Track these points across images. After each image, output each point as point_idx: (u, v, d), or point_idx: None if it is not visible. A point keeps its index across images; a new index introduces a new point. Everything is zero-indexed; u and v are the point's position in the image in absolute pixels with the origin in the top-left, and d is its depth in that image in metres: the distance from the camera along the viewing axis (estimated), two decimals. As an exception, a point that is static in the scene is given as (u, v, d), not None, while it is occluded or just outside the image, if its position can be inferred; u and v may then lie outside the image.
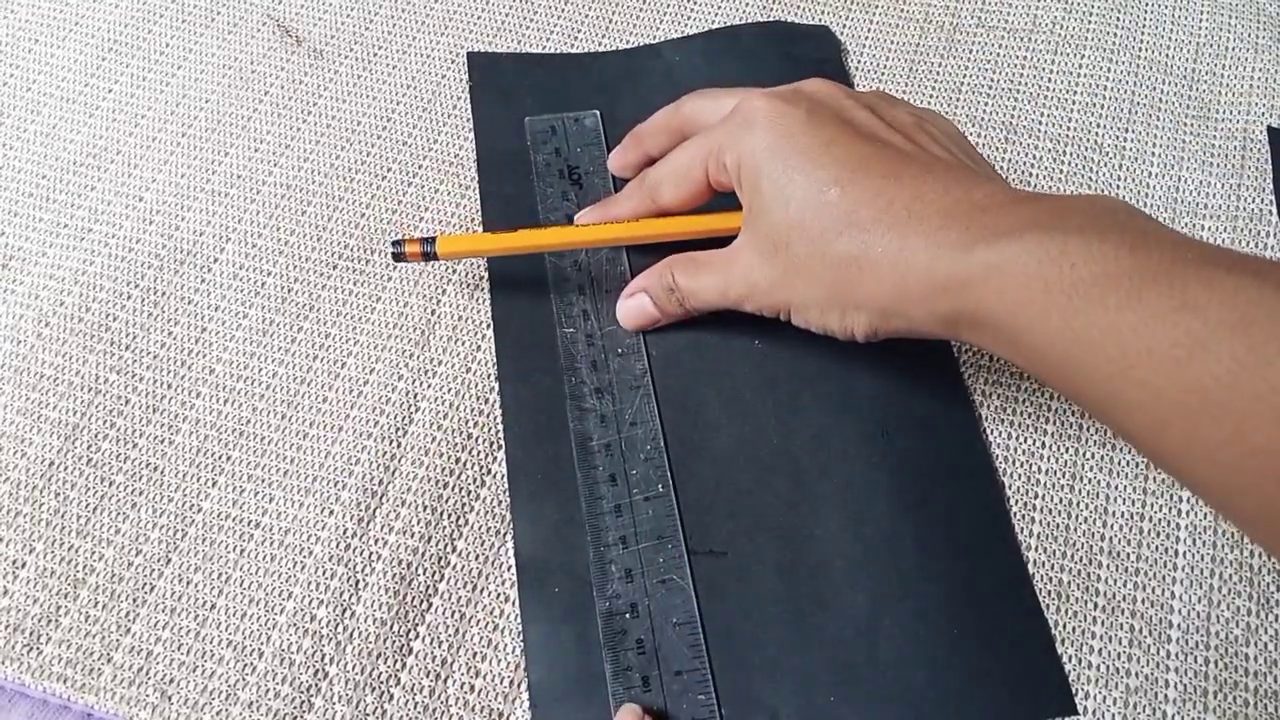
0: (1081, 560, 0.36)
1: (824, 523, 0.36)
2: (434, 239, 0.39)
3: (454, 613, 0.35)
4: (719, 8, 0.50)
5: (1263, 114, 0.46)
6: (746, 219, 0.35)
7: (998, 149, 0.45)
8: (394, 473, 0.37)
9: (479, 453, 0.38)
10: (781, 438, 0.37)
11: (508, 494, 0.37)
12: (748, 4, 0.50)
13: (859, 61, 0.48)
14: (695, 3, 0.50)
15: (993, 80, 0.47)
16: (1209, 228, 0.42)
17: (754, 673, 0.33)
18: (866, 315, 0.32)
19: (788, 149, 0.33)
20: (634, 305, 0.39)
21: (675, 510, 0.36)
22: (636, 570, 0.35)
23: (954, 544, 0.35)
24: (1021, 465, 0.37)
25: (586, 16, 0.49)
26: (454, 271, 0.42)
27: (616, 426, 0.38)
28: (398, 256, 0.39)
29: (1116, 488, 0.37)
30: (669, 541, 0.35)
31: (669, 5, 0.50)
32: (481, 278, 0.42)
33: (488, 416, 0.38)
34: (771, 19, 0.49)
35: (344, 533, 0.36)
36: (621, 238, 0.39)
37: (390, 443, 0.38)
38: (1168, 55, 0.48)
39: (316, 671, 0.34)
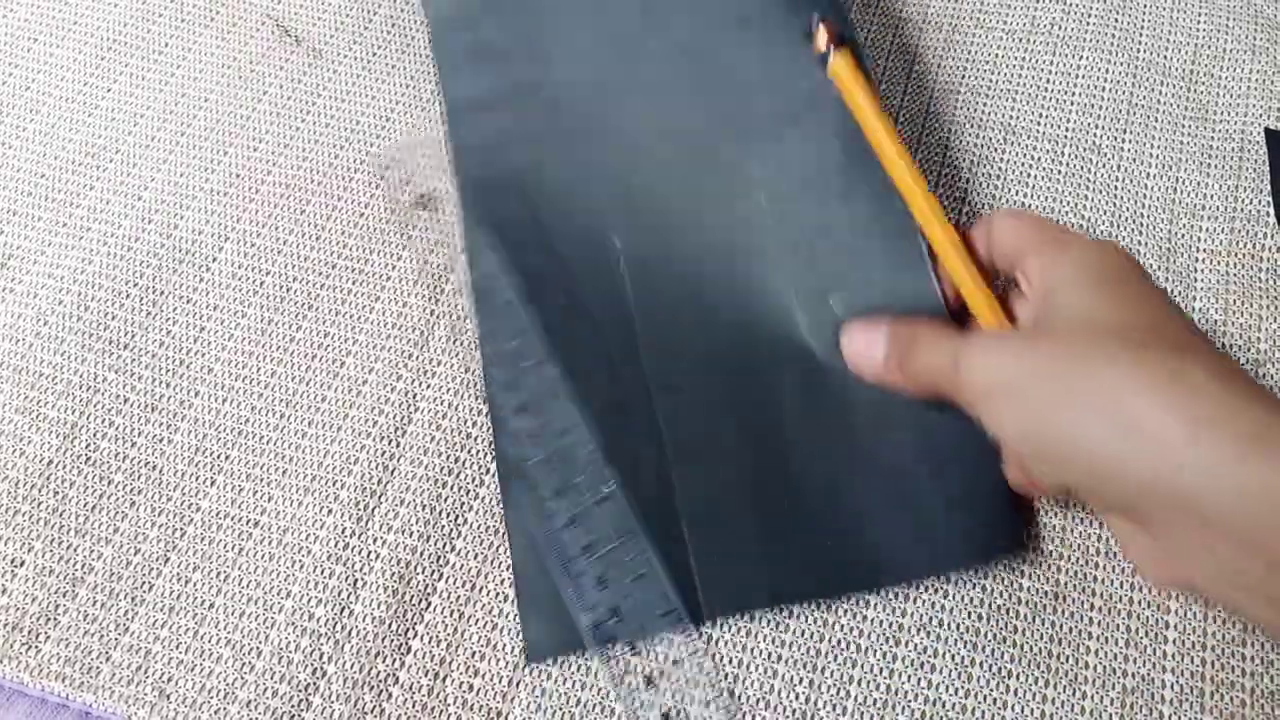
0: (1079, 560, 0.36)
1: (788, 395, 0.37)
2: (843, 44, 0.37)
3: (453, 612, 0.35)
4: None
5: (1260, 115, 0.46)
6: (1037, 320, 0.33)
7: (996, 149, 0.45)
8: (393, 472, 0.37)
9: (478, 452, 0.38)
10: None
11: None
12: None
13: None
14: None
15: (991, 81, 0.47)
16: (1207, 229, 0.43)
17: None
18: (1105, 443, 0.29)
19: (1102, 273, 0.32)
20: (866, 338, 0.36)
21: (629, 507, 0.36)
22: (607, 576, 0.35)
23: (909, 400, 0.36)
24: (1019, 465, 0.38)
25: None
26: (452, 272, 0.42)
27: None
28: (808, 35, 0.38)
29: (1114, 488, 0.37)
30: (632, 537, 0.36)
31: None
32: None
33: (487, 416, 0.38)
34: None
35: (342, 532, 0.36)
36: (923, 218, 0.37)
37: (389, 442, 0.38)
38: (1166, 57, 0.48)
39: (315, 670, 0.34)
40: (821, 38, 0.37)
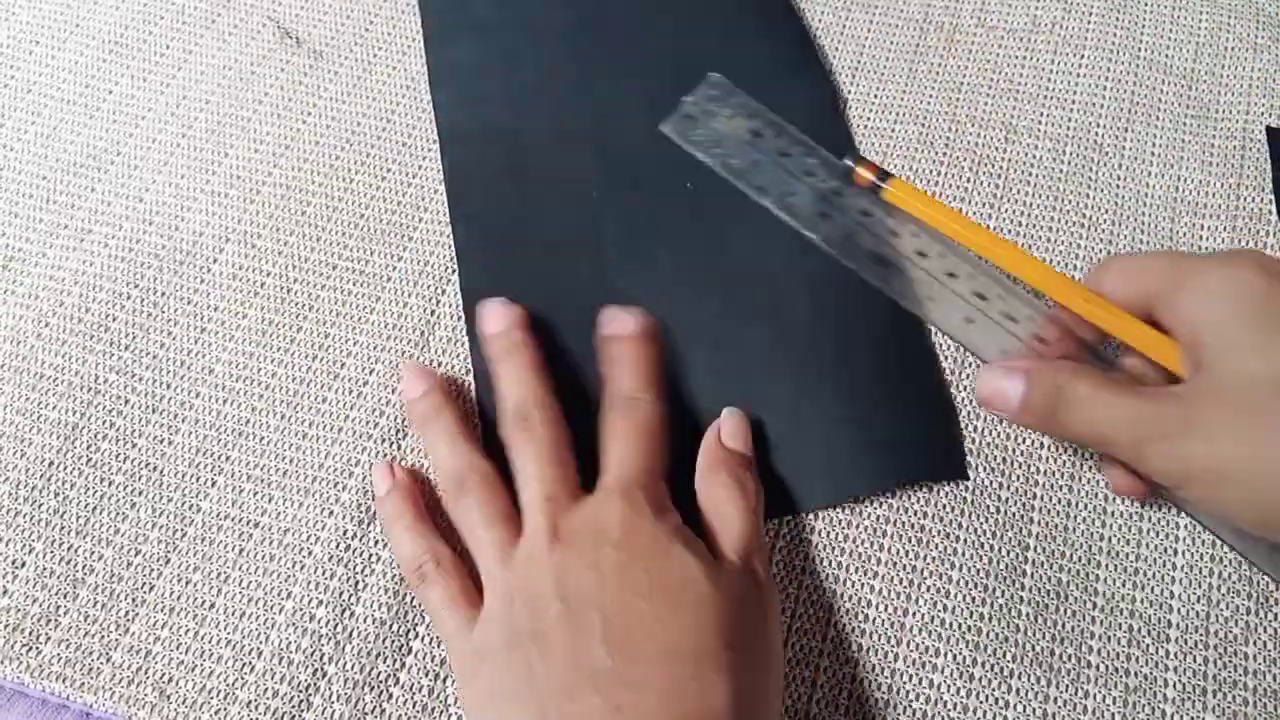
0: (1081, 560, 0.36)
1: (754, 327, 0.40)
2: (888, 177, 0.36)
3: (453, 612, 0.35)
4: None
5: (1262, 114, 0.45)
6: (1200, 370, 0.31)
7: (998, 149, 0.45)
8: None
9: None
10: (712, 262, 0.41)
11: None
12: None
13: (859, 61, 0.48)
14: None
15: (992, 80, 0.47)
16: (1209, 227, 0.42)
17: None
18: None
19: (1269, 306, 0.30)
20: (1001, 382, 0.33)
21: None
22: None
23: (869, 334, 0.39)
24: (1021, 465, 0.37)
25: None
26: (453, 272, 0.42)
27: None
28: (846, 174, 0.37)
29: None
30: None
31: None
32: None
33: (487, 416, 0.38)
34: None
35: (344, 533, 0.36)
36: (1043, 283, 0.34)
37: (390, 444, 0.38)
38: (1167, 55, 0.48)
39: (315, 671, 0.34)
40: (864, 176, 0.36)
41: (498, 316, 0.38)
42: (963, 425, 0.38)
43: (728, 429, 0.36)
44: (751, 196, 0.37)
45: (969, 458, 0.37)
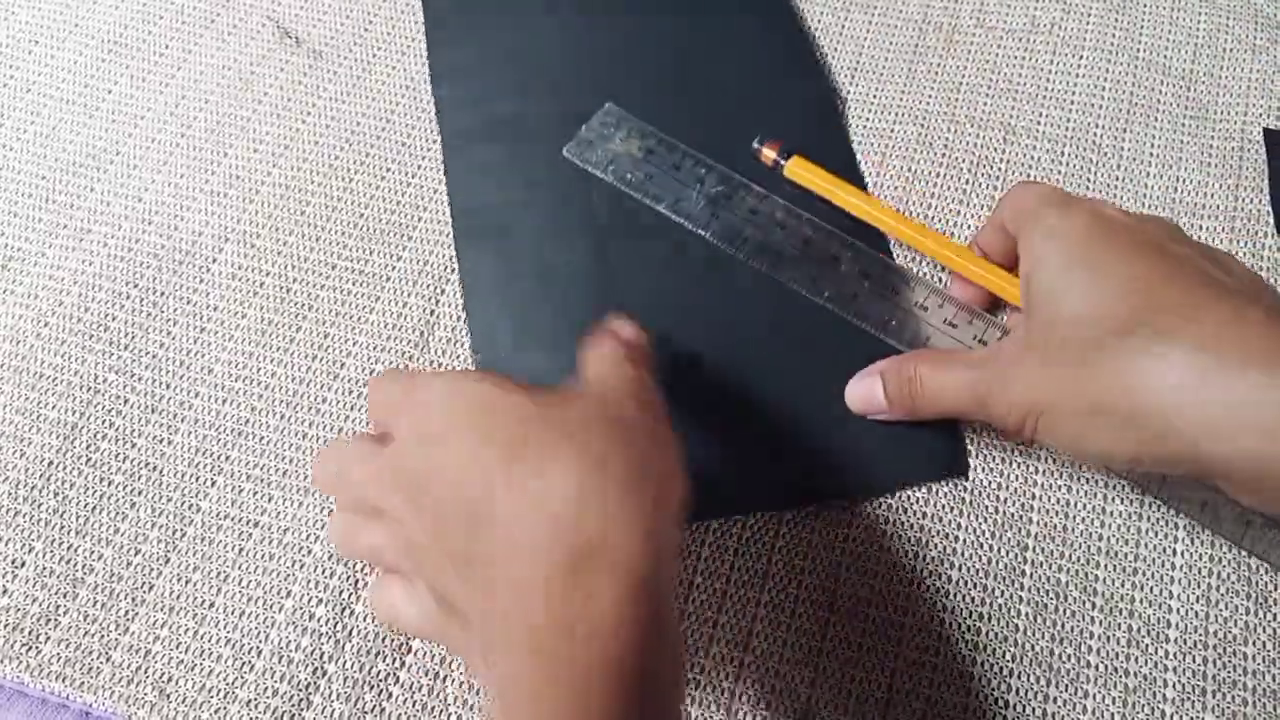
0: (1080, 560, 0.36)
1: (753, 315, 0.40)
2: (790, 155, 0.42)
3: (452, 612, 0.35)
4: None
5: (1260, 115, 0.46)
6: (1026, 308, 0.34)
7: (996, 149, 0.45)
8: (393, 472, 0.37)
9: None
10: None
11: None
12: None
13: (858, 61, 0.48)
14: None
15: (991, 81, 0.47)
16: (1207, 228, 0.43)
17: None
18: (1136, 435, 0.29)
19: (1093, 248, 0.32)
20: (864, 388, 0.37)
21: None
22: None
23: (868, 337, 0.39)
24: (1019, 466, 0.37)
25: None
26: (453, 272, 0.42)
27: None
28: (754, 155, 0.43)
29: (1114, 487, 0.37)
30: None
31: None
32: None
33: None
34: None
35: (343, 532, 0.36)
36: (932, 251, 0.40)
37: (389, 442, 0.38)
38: (1166, 56, 0.48)
39: (315, 670, 0.34)
40: (768, 155, 0.42)
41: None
42: (963, 425, 0.38)
43: (617, 324, 0.34)
44: (648, 204, 0.41)
45: (970, 458, 0.38)
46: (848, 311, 0.39)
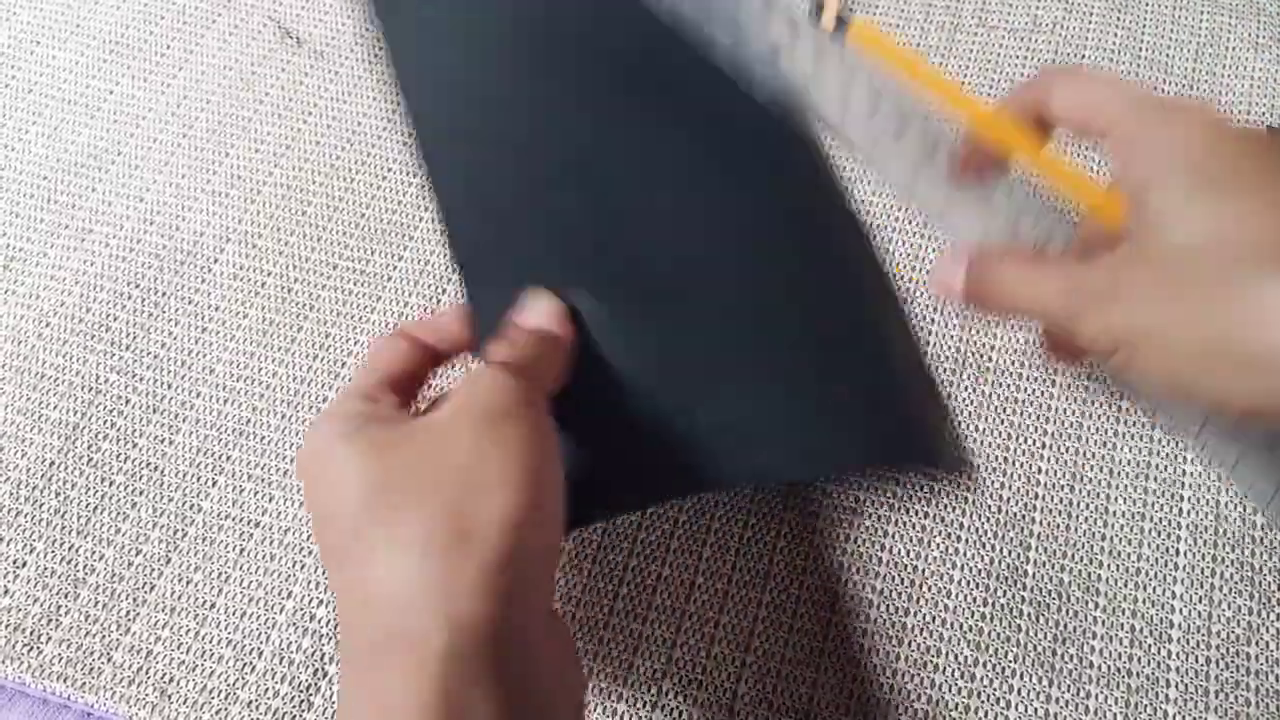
0: (1082, 560, 0.36)
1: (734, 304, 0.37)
2: (849, 20, 0.36)
3: (454, 612, 0.35)
4: None
5: (1263, 114, 0.45)
6: (1136, 225, 0.30)
7: (998, 149, 0.45)
8: (394, 472, 0.37)
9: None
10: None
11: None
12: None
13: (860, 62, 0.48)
14: None
15: (993, 80, 0.47)
16: (1210, 227, 0.42)
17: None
18: (1265, 382, 0.26)
19: (1219, 165, 0.28)
20: (945, 269, 0.33)
21: None
22: None
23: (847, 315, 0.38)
24: (1021, 465, 0.37)
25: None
26: (453, 271, 0.42)
27: None
28: (813, 12, 0.37)
29: (1117, 487, 0.37)
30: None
31: None
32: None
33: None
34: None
35: (344, 532, 0.36)
36: (1002, 135, 0.34)
37: (390, 442, 0.38)
38: (1168, 55, 0.48)
39: (316, 671, 0.34)
40: (830, 13, 0.37)
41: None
42: (964, 424, 0.38)
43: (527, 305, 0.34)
44: (700, 47, 0.35)
45: (971, 457, 0.37)
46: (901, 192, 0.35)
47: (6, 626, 0.34)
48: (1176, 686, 0.33)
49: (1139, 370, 0.29)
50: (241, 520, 0.37)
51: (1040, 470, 0.37)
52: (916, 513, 0.37)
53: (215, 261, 0.42)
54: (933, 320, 0.40)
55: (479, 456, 0.27)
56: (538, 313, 0.33)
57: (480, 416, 0.28)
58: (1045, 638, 0.34)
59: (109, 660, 0.34)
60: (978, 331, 0.40)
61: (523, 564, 0.26)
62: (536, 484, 0.27)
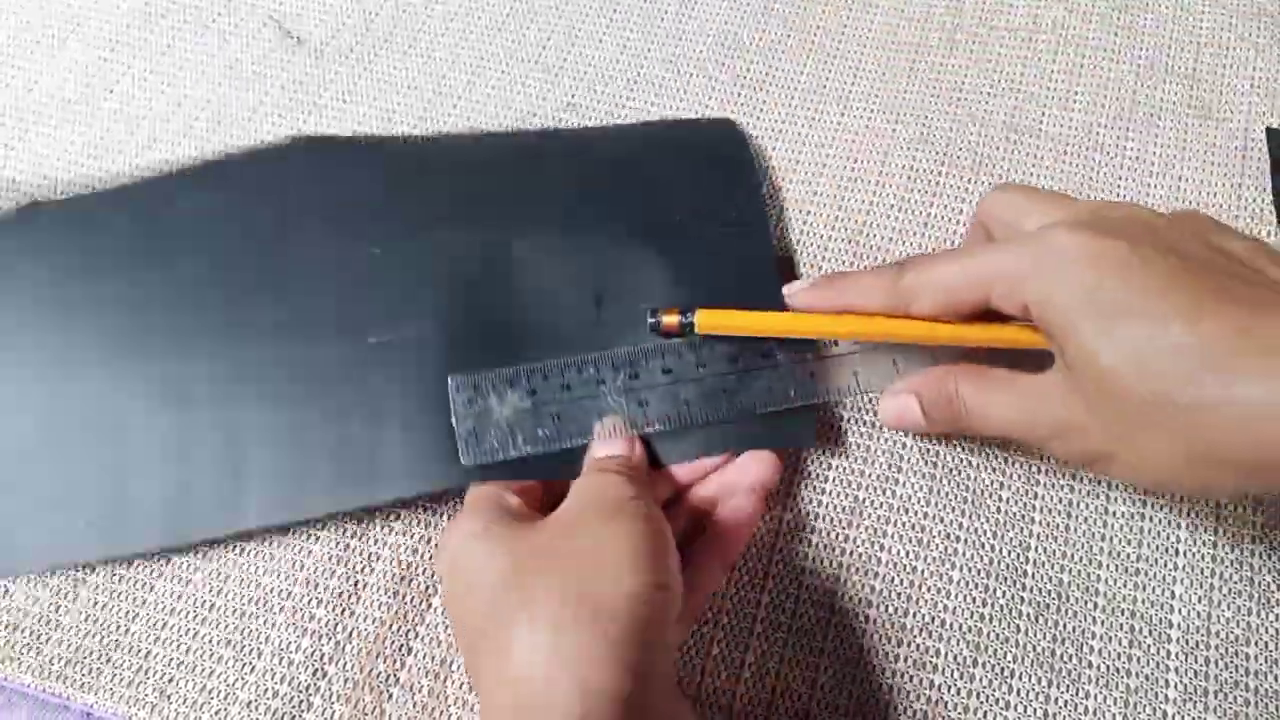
0: (1081, 560, 0.36)
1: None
2: (692, 311, 0.36)
3: (453, 612, 0.35)
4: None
5: (1264, 114, 0.45)
6: (1061, 359, 0.31)
7: (999, 149, 0.45)
8: (393, 472, 0.37)
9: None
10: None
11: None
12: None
13: (860, 60, 0.48)
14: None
15: (994, 80, 0.47)
16: (1210, 227, 0.42)
17: None
18: (1234, 472, 0.27)
19: (1116, 288, 0.29)
20: (898, 406, 0.35)
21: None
22: None
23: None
24: (1021, 465, 0.37)
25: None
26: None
27: None
28: (654, 328, 0.36)
29: (1117, 487, 0.37)
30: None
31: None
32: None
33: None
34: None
35: (343, 532, 0.36)
36: (896, 335, 0.35)
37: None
38: (1169, 55, 0.48)
39: (315, 671, 0.34)
40: (670, 321, 0.36)
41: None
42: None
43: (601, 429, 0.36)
44: (588, 442, 0.35)
45: (969, 456, 0.37)
46: (802, 396, 0.36)
47: (6, 626, 0.35)
48: (1176, 687, 0.33)
49: (1118, 477, 0.32)
50: (241, 520, 0.37)
51: (1039, 470, 0.37)
52: (915, 513, 0.37)
53: (215, 261, 0.42)
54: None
55: (603, 541, 0.29)
56: (617, 445, 0.35)
57: (600, 508, 0.31)
58: (1044, 638, 0.34)
59: (108, 660, 0.34)
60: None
61: (649, 638, 0.28)
62: (657, 566, 0.29)
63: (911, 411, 0.35)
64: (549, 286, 0.39)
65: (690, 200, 0.41)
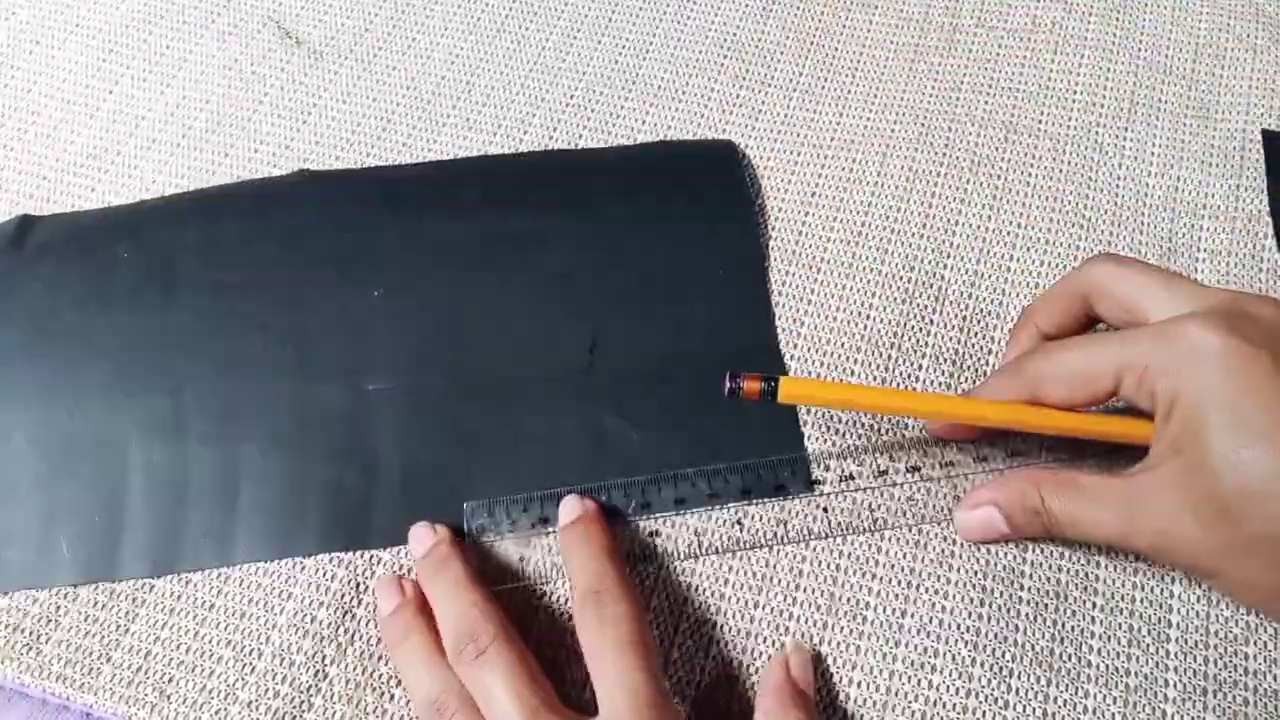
0: (1080, 559, 0.36)
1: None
2: (776, 380, 0.34)
3: (453, 612, 0.35)
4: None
5: (1261, 115, 0.46)
6: (1175, 464, 0.30)
7: (997, 149, 0.45)
8: (393, 473, 0.37)
9: (478, 453, 0.38)
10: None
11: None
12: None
13: (859, 60, 0.48)
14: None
15: (992, 80, 0.47)
16: (1207, 228, 0.43)
17: None
18: None
19: (1252, 405, 0.28)
20: (979, 519, 0.35)
21: None
22: None
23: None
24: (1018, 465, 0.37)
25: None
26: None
27: None
28: (732, 393, 0.34)
29: (1115, 487, 0.37)
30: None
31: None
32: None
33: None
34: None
35: (343, 533, 0.36)
36: (996, 420, 0.34)
37: (390, 443, 0.38)
38: (1167, 56, 0.48)
39: (316, 672, 0.34)
40: (752, 388, 0.34)
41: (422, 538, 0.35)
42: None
43: (796, 663, 0.33)
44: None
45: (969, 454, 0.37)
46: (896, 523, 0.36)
47: (6, 626, 0.34)
48: (1175, 686, 0.34)
49: (1219, 591, 0.34)
50: (241, 521, 0.37)
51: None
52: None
53: (215, 262, 0.42)
54: (931, 320, 0.40)
55: None
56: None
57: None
58: (1043, 637, 0.34)
59: (108, 660, 0.34)
60: (976, 334, 0.40)
61: None
62: None
63: (995, 524, 0.35)
64: (544, 334, 0.40)
65: (688, 241, 0.42)
